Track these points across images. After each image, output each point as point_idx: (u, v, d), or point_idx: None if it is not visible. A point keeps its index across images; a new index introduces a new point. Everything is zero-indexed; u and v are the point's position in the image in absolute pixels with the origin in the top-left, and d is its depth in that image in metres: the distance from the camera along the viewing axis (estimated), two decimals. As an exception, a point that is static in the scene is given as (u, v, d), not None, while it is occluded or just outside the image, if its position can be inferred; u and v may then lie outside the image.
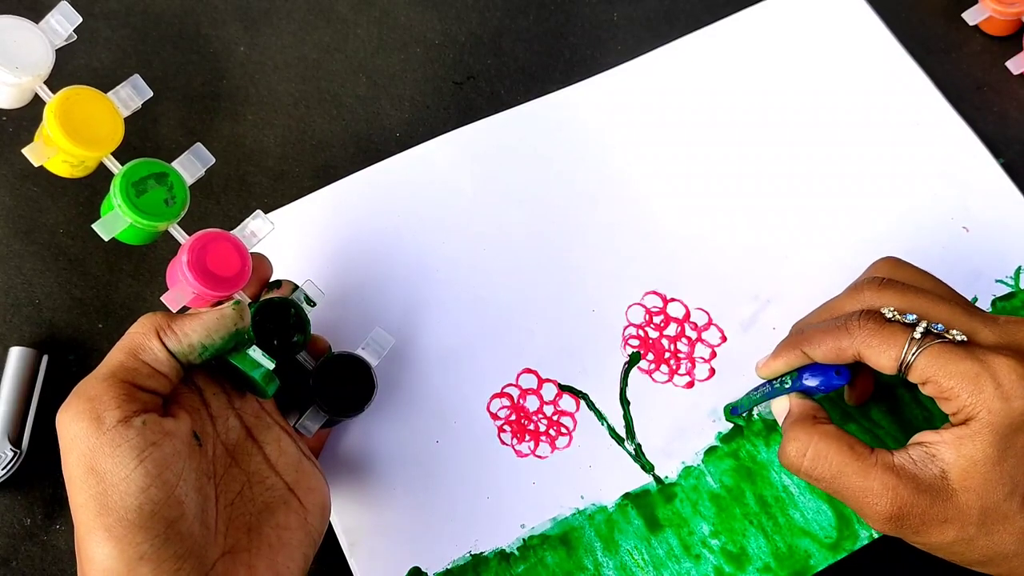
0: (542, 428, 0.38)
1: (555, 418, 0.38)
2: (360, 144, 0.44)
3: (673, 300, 0.40)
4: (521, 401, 0.39)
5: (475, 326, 0.40)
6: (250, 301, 0.34)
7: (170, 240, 0.34)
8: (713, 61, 0.45)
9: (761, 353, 0.39)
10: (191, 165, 0.34)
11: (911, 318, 0.30)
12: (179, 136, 0.44)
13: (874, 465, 0.30)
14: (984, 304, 0.40)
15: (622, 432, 0.38)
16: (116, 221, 0.32)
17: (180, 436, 0.29)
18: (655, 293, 0.40)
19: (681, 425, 0.38)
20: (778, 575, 0.35)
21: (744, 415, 0.38)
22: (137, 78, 0.34)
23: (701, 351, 0.39)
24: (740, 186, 0.42)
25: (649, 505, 0.37)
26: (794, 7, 0.46)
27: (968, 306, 0.32)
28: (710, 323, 0.40)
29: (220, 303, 0.32)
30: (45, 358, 0.39)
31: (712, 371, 0.39)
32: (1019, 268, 0.40)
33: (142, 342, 0.30)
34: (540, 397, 0.39)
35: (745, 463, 0.37)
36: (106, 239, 0.32)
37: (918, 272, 0.34)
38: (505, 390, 0.39)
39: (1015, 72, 0.45)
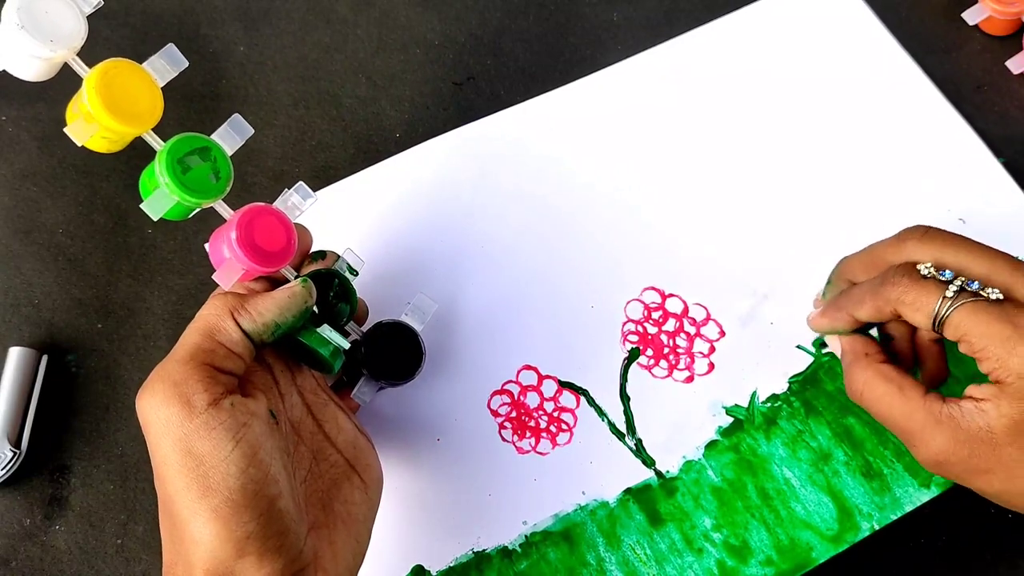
0: (543, 424, 0.38)
1: (556, 414, 0.39)
2: (360, 144, 0.44)
3: (671, 295, 0.40)
4: (521, 398, 0.39)
5: (475, 323, 0.40)
6: (296, 274, 0.33)
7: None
8: (711, 59, 0.45)
9: (759, 349, 0.39)
10: (230, 137, 0.33)
11: (947, 275, 0.30)
12: (179, 136, 0.44)
13: (920, 409, 0.30)
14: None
15: (623, 427, 0.38)
16: (163, 200, 0.31)
17: (261, 416, 0.29)
18: (653, 289, 0.41)
19: (681, 420, 0.38)
20: (780, 568, 0.35)
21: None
22: (172, 48, 0.33)
23: (700, 346, 0.39)
24: (739, 182, 0.43)
25: (651, 500, 0.37)
26: (791, 6, 0.46)
27: (1013, 262, 0.31)
28: (708, 318, 0.40)
29: (263, 278, 0.32)
30: (44, 358, 0.39)
31: (711, 366, 0.39)
32: (1016, 259, 0.41)
33: (217, 323, 0.30)
34: (540, 394, 0.39)
35: (746, 456, 0.37)
36: (155, 219, 0.31)
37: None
38: (505, 387, 0.39)
39: (1015, 72, 0.45)
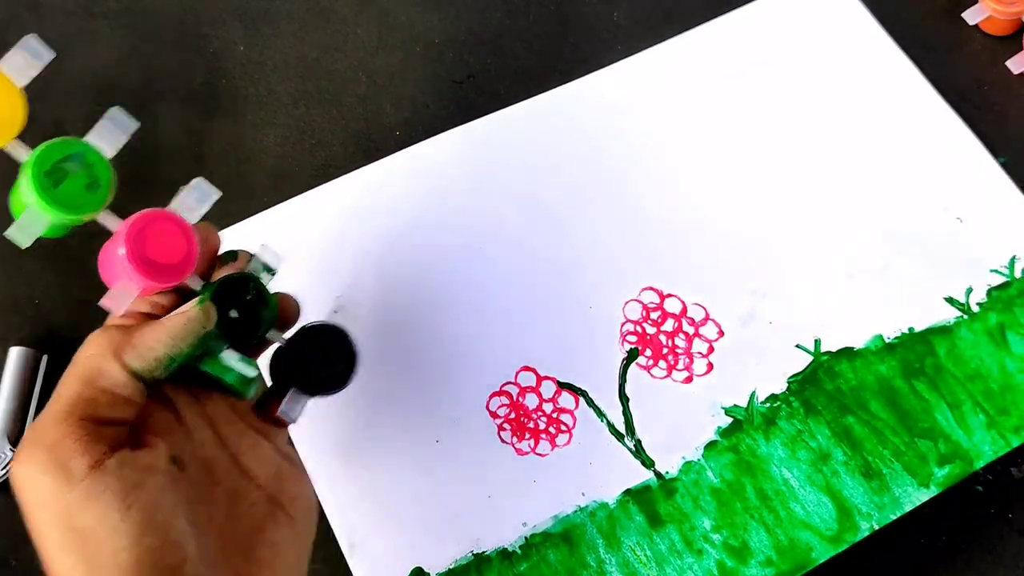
0: (542, 426, 0.38)
1: (555, 415, 0.39)
2: (360, 143, 0.44)
3: (670, 295, 0.40)
4: (520, 399, 0.39)
5: (473, 324, 0.40)
6: (203, 283, 0.29)
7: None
8: (709, 58, 0.45)
9: (758, 349, 0.39)
10: (110, 135, 0.27)
11: None
12: (179, 136, 0.44)
13: None
14: (980, 295, 0.40)
15: (622, 428, 0.38)
16: (34, 222, 0.26)
17: (160, 468, 0.25)
18: (652, 289, 0.41)
19: (680, 420, 0.38)
20: (780, 568, 0.35)
21: None
22: (32, 38, 0.27)
23: (699, 346, 0.39)
24: (737, 182, 0.43)
25: (650, 501, 0.37)
26: (790, 6, 0.46)
27: None
28: (707, 318, 0.40)
29: (161, 293, 0.28)
30: (45, 358, 0.39)
31: (710, 366, 0.39)
32: (1013, 258, 0.41)
33: (97, 365, 0.25)
34: (539, 395, 0.39)
35: (745, 457, 0.37)
36: (25, 246, 0.26)
37: None
38: (504, 388, 0.39)
39: (1015, 72, 0.45)
